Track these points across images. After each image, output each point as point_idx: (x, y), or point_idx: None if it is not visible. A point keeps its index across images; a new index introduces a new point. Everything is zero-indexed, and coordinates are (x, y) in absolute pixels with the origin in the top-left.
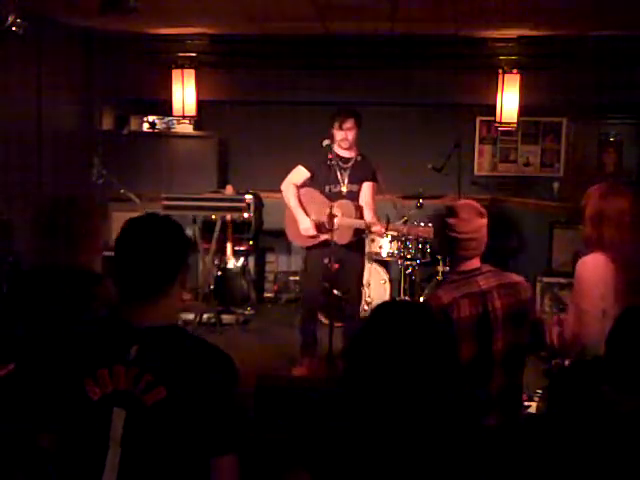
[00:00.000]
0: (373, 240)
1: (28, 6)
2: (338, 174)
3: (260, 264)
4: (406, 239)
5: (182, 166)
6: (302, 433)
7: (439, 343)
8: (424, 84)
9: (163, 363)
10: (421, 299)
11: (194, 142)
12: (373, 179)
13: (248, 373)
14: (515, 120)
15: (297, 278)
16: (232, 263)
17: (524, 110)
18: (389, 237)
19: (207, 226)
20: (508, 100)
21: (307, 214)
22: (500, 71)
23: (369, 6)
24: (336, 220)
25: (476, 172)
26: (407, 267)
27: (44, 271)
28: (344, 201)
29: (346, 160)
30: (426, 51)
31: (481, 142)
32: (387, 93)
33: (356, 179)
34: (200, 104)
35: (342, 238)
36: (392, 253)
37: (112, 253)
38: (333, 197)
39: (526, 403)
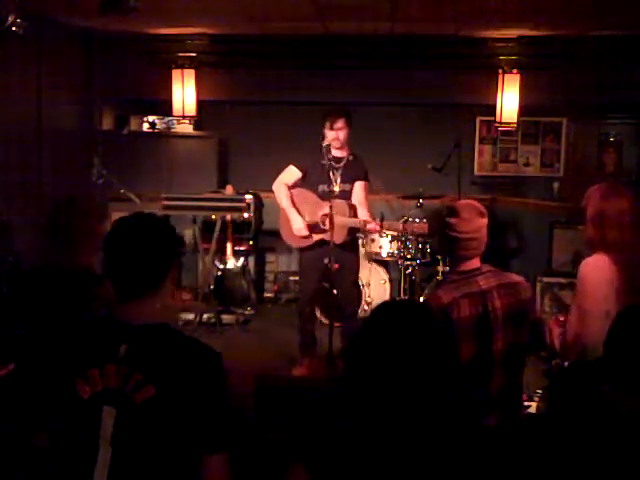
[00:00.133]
0: (373, 240)
1: (28, 6)
2: (330, 174)
3: (260, 264)
4: (406, 239)
5: (182, 166)
6: (302, 433)
7: (439, 343)
8: (424, 84)
9: (152, 362)
10: (421, 299)
11: (194, 142)
12: (365, 178)
13: (248, 373)
14: (515, 120)
15: (297, 278)
16: (232, 263)
17: (524, 110)
18: (389, 237)
19: (207, 226)
20: (508, 100)
21: (301, 215)
22: (500, 71)
23: (369, 6)
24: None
25: (476, 172)
26: (407, 267)
27: (44, 271)
28: (338, 200)
29: (338, 160)
30: (426, 51)
31: (481, 142)
32: (387, 93)
33: (348, 178)
34: (200, 104)
35: (337, 238)
36: (392, 253)
37: None
38: (326, 197)
39: (526, 403)
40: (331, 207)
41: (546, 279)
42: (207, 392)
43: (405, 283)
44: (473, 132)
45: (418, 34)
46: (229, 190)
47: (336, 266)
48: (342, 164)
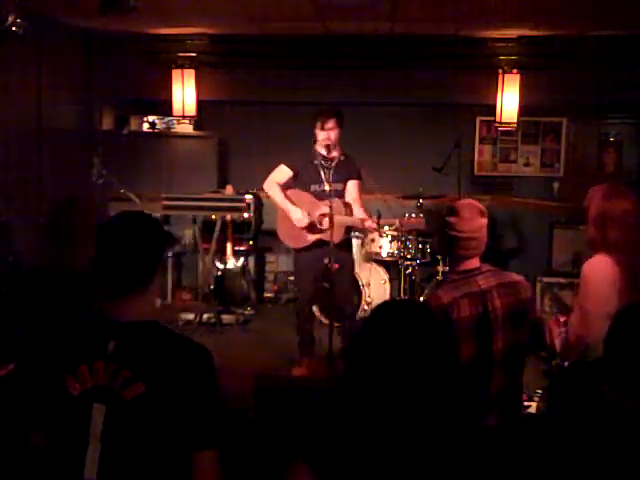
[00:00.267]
0: (373, 240)
1: (28, 6)
2: (322, 173)
3: (260, 264)
4: (406, 239)
5: (182, 166)
6: (303, 432)
7: (439, 343)
8: (424, 84)
9: (141, 358)
10: (421, 299)
11: (194, 142)
12: (358, 177)
13: (248, 373)
14: (515, 120)
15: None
16: (232, 263)
17: (524, 110)
18: (389, 237)
19: (207, 226)
20: (508, 100)
21: None
22: (500, 71)
23: (369, 6)
24: (327, 219)
25: (476, 172)
26: (407, 267)
27: (44, 271)
28: (335, 200)
29: (330, 159)
30: (426, 51)
31: (481, 142)
32: (387, 93)
33: (340, 178)
34: (200, 104)
35: (335, 237)
36: (392, 253)
37: None
38: (319, 196)
39: (526, 403)
40: (331, 207)
41: (546, 279)
42: (197, 389)
43: (405, 283)
44: (473, 132)
45: (418, 34)
46: (229, 190)
47: (336, 266)
48: (334, 164)
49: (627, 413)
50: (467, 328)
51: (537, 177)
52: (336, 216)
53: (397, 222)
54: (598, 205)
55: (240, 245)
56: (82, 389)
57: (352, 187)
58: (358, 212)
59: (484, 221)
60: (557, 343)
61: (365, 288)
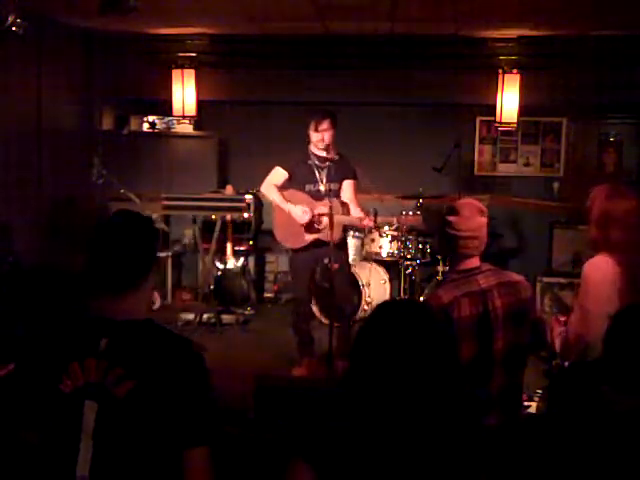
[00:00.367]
0: (373, 240)
1: (28, 6)
2: (317, 173)
3: (260, 264)
4: (406, 239)
5: (182, 166)
6: (303, 432)
7: (439, 343)
8: (424, 84)
9: (133, 356)
10: (421, 299)
11: (194, 142)
12: (353, 177)
13: (248, 373)
14: (515, 120)
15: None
16: (232, 263)
17: (524, 110)
18: (389, 237)
19: (207, 226)
20: (508, 100)
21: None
22: (500, 71)
23: (369, 6)
24: (325, 219)
25: (476, 172)
26: (407, 267)
27: (44, 271)
28: (332, 199)
29: (324, 160)
30: (426, 51)
31: (481, 142)
32: (387, 93)
33: (335, 178)
34: (200, 104)
35: (333, 236)
36: (392, 253)
37: None
38: (314, 196)
39: (526, 403)
40: (331, 207)
41: (546, 279)
42: (187, 386)
43: (405, 283)
44: (473, 132)
45: (418, 34)
46: (229, 190)
47: (336, 266)
48: (328, 164)
49: (624, 412)
50: (467, 327)
51: (537, 177)
52: (335, 215)
53: (394, 220)
54: (601, 205)
55: (240, 245)
56: (74, 386)
57: (347, 187)
58: (355, 211)
59: (484, 220)
60: (557, 343)
61: (365, 288)
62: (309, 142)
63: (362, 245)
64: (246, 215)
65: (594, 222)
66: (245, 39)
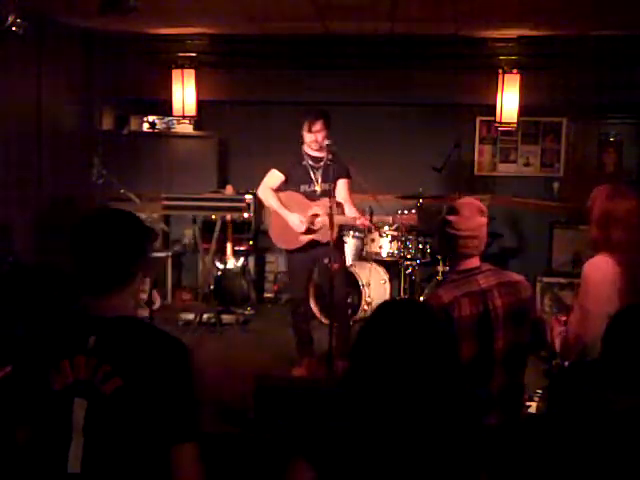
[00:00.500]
0: (373, 240)
1: (28, 6)
2: (311, 174)
3: (260, 264)
4: (406, 239)
5: (182, 166)
6: (304, 431)
7: (440, 342)
8: (424, 84)
9: (120, 353)
10: (421, 299)
11: (194, 142)
12: (347, 176)
13: (248, 373)
14: (515, 120)
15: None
16: (232, 263)
17: (524, 110)
18: (389, 237)
19: (207, 226)
20: (508, 100)
21: None
22: (500, 71)
23: (369, 6)
24: (319, 219)
25: (476, 172)
26: (407, 267)
27: (44, 271)
28: (325, 199)
29: (318, 160)
30: (426, 51)
31: (481, 142)
32: (387, 93)
33: (330, 178)
34: (200, 104)
35: (328, 236)
36: (392, 253)
37: None
38: (310, 197)
39: (526, 403)
40: (331, 207)
41: (546, 279)
42: (174, 383)
43: (405, 283)
44: (473, 132)
45: (418, 34)
46: (229, 190)
47: (336, 266)
48: (322, 164)
49: (624, 412)
50: (468, 327)
51: (537, 177)
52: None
53: (390, 219)
54: (602, 205)
55: (240, 245)
56: (64, 383)
57: (342, 186)
58: (350, 211)
59: (484, 220)
60: (557, 343)
61: (365, 288)
62: (302, 143)
63: (362, 245)
64: (246, 215)
65: (595, 222)
66: (245, 39)
